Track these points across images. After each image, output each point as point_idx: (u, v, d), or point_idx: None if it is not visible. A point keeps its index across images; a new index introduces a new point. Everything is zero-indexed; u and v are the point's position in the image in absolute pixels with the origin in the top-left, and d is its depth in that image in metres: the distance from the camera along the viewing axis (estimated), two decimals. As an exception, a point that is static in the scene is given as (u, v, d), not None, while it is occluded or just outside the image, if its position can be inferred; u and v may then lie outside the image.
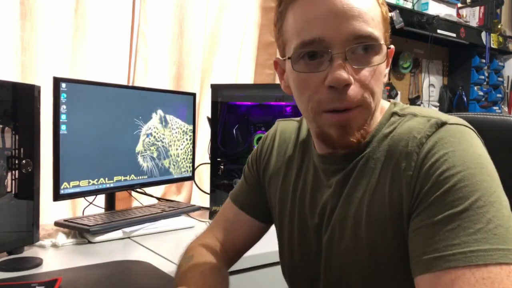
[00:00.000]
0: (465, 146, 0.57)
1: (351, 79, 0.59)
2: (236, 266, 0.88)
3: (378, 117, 0.68)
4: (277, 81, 1.90)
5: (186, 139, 1.53)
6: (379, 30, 0.61)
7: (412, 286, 0.56)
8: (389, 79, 2.61)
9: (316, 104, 0.62)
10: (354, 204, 0.65)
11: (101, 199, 1.37)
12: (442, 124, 0.60)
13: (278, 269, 0.83)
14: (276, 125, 0.86)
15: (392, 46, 0.68)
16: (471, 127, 0.61)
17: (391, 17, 2.03)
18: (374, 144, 0.66)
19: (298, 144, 0.79)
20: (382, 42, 0.61)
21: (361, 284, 0.66)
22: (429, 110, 0.66)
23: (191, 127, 1.54)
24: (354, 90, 0.60)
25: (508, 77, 3.15)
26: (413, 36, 2.56)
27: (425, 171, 0.57)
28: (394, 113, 0.67)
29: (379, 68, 0.62)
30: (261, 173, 0.84)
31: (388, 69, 0.68)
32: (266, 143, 0.85)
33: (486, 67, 2.91)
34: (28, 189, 1.03)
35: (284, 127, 0.84)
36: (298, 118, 0.84)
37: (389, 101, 0.72)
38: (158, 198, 1.60)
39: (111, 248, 1.11)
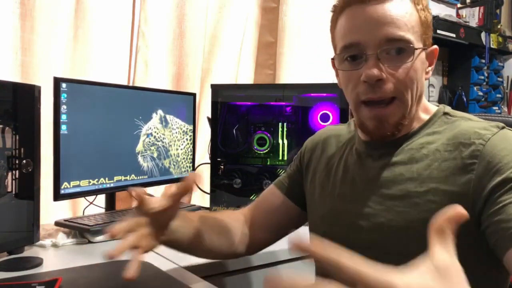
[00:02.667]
0: None
1: (382, 75, 0.69)
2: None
3: (423, 114, 0.76)
4: (277, 81, 1.90)
5: (186, 139, 1.53)
6: (413, 34, 0.70)
7: None
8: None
9: (355, 96, 0.73)
10: (406, 183, 0.70)
11: (101, 199, 1.37)
12: (502, 127, 0.69)
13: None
14: (324, 128, 0.97)
15: (435, 46, 0.76)
16: None
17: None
18: (423, 135, 0.74)
19: (342, 139, 0.88)
20: (413, 44, 0.70)
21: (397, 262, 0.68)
22: (478, 117, 0.75)
23: (191, 127, 1.54)
24: (387, 85, 0.69)
25: (508, 77, 3.15)
26: (413, 36, 2.55)
27: (497, 161, 0.64)
28: (445, 113, 0.76)
29: (414, 67, 0.70)
30: (305, 165, 0.92)
31: (432, 67, 0.77)
32: (313, 140, 0.94)
33: (485, 67, 2.92)
34: (28, 189, 1.03)
35: (329, 129, 0.94)
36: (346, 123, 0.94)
37: (437, 105, 0.79)
38: (158, 198, 1.60)
39: (111, 248, 1.11)
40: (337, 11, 0.75)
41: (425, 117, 0.76)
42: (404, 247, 0.68)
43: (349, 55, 0.72)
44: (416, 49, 0.70)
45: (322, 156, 0.89)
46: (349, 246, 0.73)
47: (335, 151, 0.87)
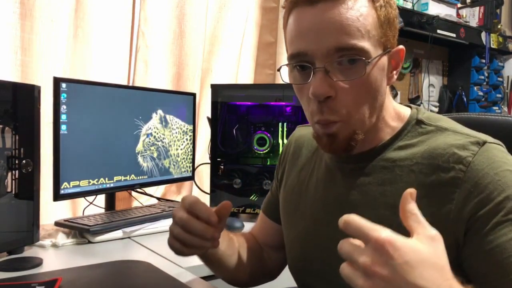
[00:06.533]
0: (509, 166, 0.61)
1: (331, 92, 0.61)
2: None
3: (394, 122, 0.69)
4: (277, 81, 1.90)
5: (186, 139, 1.53)
6: (369, 39, 0.61)
7: None
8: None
9: (309, 114, 0.67)
10: (381, 209, 0.65)
11: (101, 199, 1.37)
12: (484, 142, 0.62)
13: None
14: (294, 131, 0.90)
15: (401, 47, 0.68)
16: (503, 144, 0.64)
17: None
18: (395, 149, 0.68)
19: (311, 147, 0.82)
20: (369, 53, 0.61)
21: None
22: (456, 124, 0.68)
23: (191, 127, 1.54)
24: (338, 104, 0.62)
25: (508, 77, 3.15)
26: (413, 36, 2.55)
27: (479, 191, 0.59)
28: (419, 121, 0.69)
29: (369, 79, 0.62)
30: (279, 179, 0.88)
31: (398, 70, 0.68)
32: (284, 151, 0.89)
33: (486, 67, 2.91)
34: (28, 189, 1.03)
35: (299, 133, 0.88)
36: None
37: (410, 106, 0.72)
38: (158, 198, 1.60)
39: (111, 248, 1.11)
40: (286, 10, 0.66)
41: (397, 125, 0.69)
42: None
43: (295, 64, 0.65)
44: (369, 61, 0.61)
45: (293, 168, 0.84)
46: (329, 269, 0.70)
47: (306, 161, 0.82)
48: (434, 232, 0.46)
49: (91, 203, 1.36)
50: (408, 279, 0.43)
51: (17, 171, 1.00)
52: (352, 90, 0.62)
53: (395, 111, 0.71)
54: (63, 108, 1.14)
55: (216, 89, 1.46)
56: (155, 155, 1.42)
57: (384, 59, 0.65)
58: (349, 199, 0.70)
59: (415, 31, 2.41)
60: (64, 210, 1.41)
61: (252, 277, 0.87)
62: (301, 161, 0.83)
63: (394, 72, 0.68)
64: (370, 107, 0.64)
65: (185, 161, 1.53)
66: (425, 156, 0.64)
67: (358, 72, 0.61)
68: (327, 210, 0.73)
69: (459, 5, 2.81)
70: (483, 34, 2.78)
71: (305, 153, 0.83)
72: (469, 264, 0.60)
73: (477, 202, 0.58)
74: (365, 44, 0.61)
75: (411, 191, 0.48)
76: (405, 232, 0.61)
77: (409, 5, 2.43)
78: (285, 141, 1.44)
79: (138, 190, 1.49)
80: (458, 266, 0.60)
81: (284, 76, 0.70)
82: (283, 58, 1.90)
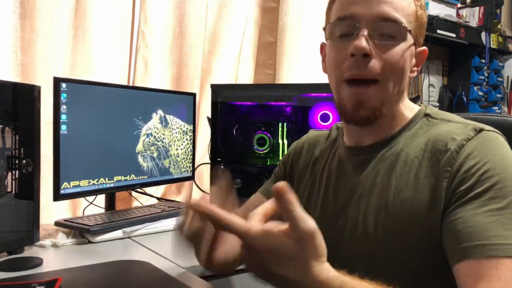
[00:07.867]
0: (503, 152, 0.64)
1: (370, 50, 0.67)
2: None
3: (405, 113, 0.75)
4: (277, 81, 1.90)
5: (186, 139, 1.53)
6: (408, 22, 0.69)
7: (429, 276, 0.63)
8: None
9: (339, 72, 0.71)
10: (386, 192, 0.69)
11: (101, 199, 1.37)
12: (480, 130, 0.66)
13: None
14: (307, 134, 0.95)
15: (425, 48, 0.75)
16: (502, 134, 0.68)
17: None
18: (403, 139, 0.72)
19: (325, 144, 0.86)
20: (408, 28, 0.68)
21: (382, 273, 0.67)
22: (460, 117, 0.72)
23: (191, 127, 1.54)
24: (374, 63, 0.68)
25: (508, 77, 3.15)
26: (413, 36, 2.55)
27: (466, 169, 0.62)
28: (427, 115, 0.74)
29: (403, 54, 0.69)
30: (288, 170, 0.91)
31: (418, 68, 0.76)
32: (297, 145, 0.93)
33: (486, 67, 2.91)
34: (28, 189, 1.03)
35: (314, 134, 0.93)
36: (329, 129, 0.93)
37: (420, 105, 0.78)
38: (158, 198, 1.60)
39: (111, 248, 1.11)
40: None
41: (408, 115, 0.75)
42: (385, 258, 0.67)
43: (341, 33, 0.71)
44: (409, 30, 0.69)
45: (306, 163, 0.88)
46: (336, 256, 0.73)
47: (319, 157, 0.86)
48: (305, 231, 0.50)
49: (91, 203, 1.36)
50: (273, 270, 0.52)
51: (17, 171, 1.00)
52: (387, 57, 0.68)
53: (408, 106, 0.76)
54: (63, 108, 1.14)
55: (216, 89, 1.46)
56: (155, 155, 1.42)
57: (412, 49, 0.71)
58: (358, 188, 0.73)
59: (415, 31, 2.41)
60: (64, 210, 1.41)
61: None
62: (314, 157, 0.87)
63: (415, 69, 0.75)
64: (397, 82, 0.70)
65: (185, 161, 1.53)
66: (429, 143, 0.68)
67: (397, 43, 0.68)
68: (337, 199, 0.77)
69: (459, 5, 2.81)
70: (483, 34, 2.78)
71: (318, 149, 0.87)
72: (443, 233, 0.62)
73: (460, 180, 0.62)
74: (406, 23, 0.69)
75: (282, 185, 0.50)
76: (401, 213, 0.66)
77: (409, 5, 2.43)
78: (285, 141, 1.45)
79: (138, 190, 1.49)
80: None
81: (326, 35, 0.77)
82: (283, 58, 1.90)
